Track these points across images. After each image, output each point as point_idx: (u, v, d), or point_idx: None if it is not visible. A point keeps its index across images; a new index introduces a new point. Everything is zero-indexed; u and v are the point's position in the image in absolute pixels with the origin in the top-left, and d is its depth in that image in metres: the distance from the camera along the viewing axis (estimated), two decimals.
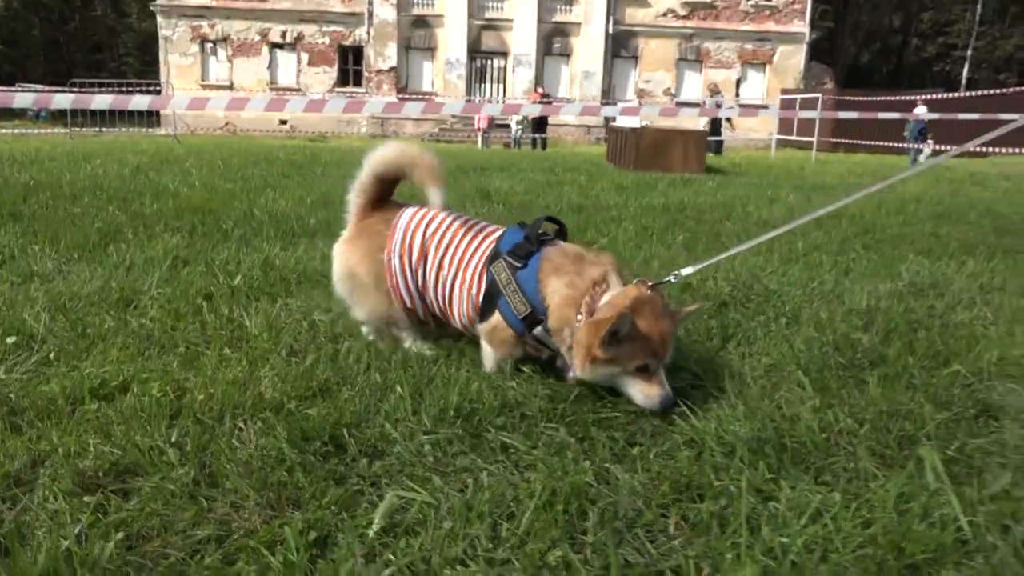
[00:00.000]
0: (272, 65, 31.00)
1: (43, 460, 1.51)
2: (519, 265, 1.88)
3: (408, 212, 2.14)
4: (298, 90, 31.03)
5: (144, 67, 35.97)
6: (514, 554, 1.24)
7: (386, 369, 1.98)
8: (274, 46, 30.85)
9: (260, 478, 1.44)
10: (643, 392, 1.77)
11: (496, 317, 1.92)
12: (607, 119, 24.85)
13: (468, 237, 2.03)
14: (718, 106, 18.88)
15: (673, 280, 2.04)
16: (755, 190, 7.51)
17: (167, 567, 1.20)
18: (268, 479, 1.44)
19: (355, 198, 2.21)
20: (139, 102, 5.61)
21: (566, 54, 31.34)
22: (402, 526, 1.32)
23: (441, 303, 2.07)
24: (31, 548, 1.21)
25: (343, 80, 31.33)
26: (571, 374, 1.86)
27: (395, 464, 1.55)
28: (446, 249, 2.03)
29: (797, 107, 18.09)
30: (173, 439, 1.58)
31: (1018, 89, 17.98)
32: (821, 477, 1.52)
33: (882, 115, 8.88)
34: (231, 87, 30.66)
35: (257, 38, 30.70)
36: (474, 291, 1.96)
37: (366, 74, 30.81)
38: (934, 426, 1.69)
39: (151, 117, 26.37)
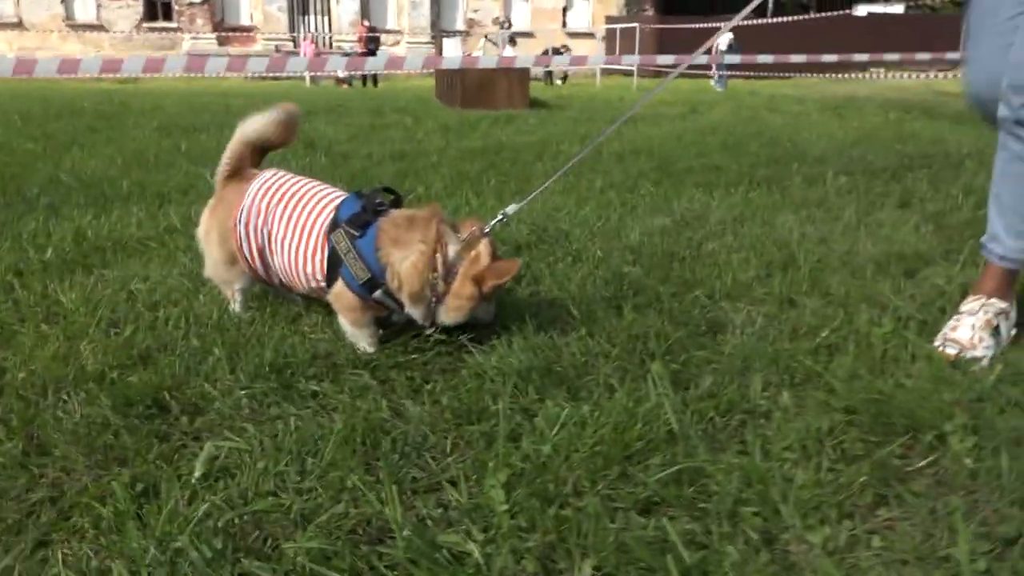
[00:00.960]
0: None
1: None
2: (357, 234, 2.04)
3: (258, 180, 2.22)
4: (100, 27, 28.53)
5: None
6: (319, 483, 1.50)
7: (204, 333, 2.15)
8: None
9: (87, 443, 1.61)
10: (488, 312, 2.16)
11: (339, 284, 2.08)
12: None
13: (311, 204, 2.15)
14: (512, 42, 19.22)
15: (503, 219, 2.31)
16: (572, 126, 7.94)
17: (5, 528, 1.37)
18: (95, 443, 1.62)
19: (221, 165, 2.29)
20: None
21: None
22: (221, 471, 1.55)
23: (285, 269, 2.18)
24: None
25: (151, 15, 29.09)
26: (428, 323, 2.11)
27: (215, 419, 1.76)
28: (290, 216, 2.14)
29: (617, 37, 18.76)
30: None
31: (813, 16, 19.54)
32: (578, 394, 1.87)
33: (660, 59, 9.50)
34: (20, 24, 27.72)
35: None
36: (318, 258, 2.10)
37: (176, 7, 28.79)
38: (669, 343, 2.09)
39: None
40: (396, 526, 1.34)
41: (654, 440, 1.63)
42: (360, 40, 23.99)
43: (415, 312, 2.09)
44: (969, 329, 2.04)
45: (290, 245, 2.14)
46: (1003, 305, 2.10)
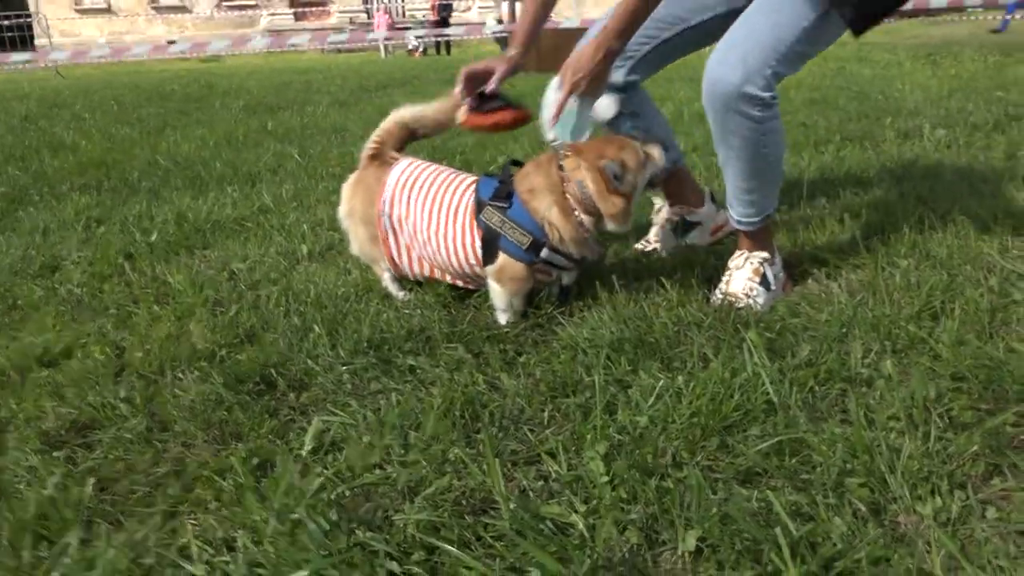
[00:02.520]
0: None
1: (6, 426, 1.74)
2: (505, 206, 2.08)
3: (396, 170, 2.27)
4: (183, 8, 29.37)
5: None
6: (422, 456, 1.55)
7: (303, 311, 2.23)
8: None
9: (204, 419, 1.70)
10: (655, 158, 2.14)
11: (502, 258, 2.09)
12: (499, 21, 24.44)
13: (450, 191, 2.18)
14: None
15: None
16: (649, 87, 7.75)
17: (137, 500, 1.47)
18: (211, 419, 1.71)
19: (368, 143, 2.36)
20: (17, 59, 5.43)
21: None
22: (329, 445, 1.62)
23: (438, 258, 2.20)
24: (20, 498, 1.46)
25: None
26: (598, 256, 2.18)
27: (319, 394, 1.83)
28: (431, 206, 2.17)
29: None
30: (122, 395, 1.82)
31: None
32: (671, 365, 1.86)
33: None
34: (108, 9, 28.80)
35: None
36: (468, 241, 2.13)
37: None
38: (763, 311, 2.06)
39: (26, 44, 24.68)
40: (501, 498, 1.37)
41: (752, 411, 1.62)
42: (432, 8, 24.00)
43: (583, 252, 2.13)
44: (742, 281, 2.20)
45: (439, 234, 2.16)
46: (764, 255, 2.25)
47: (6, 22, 23.27)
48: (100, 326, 2.23)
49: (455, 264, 2.18)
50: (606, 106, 2.20)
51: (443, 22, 23.38)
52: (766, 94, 1.99)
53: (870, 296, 2.11)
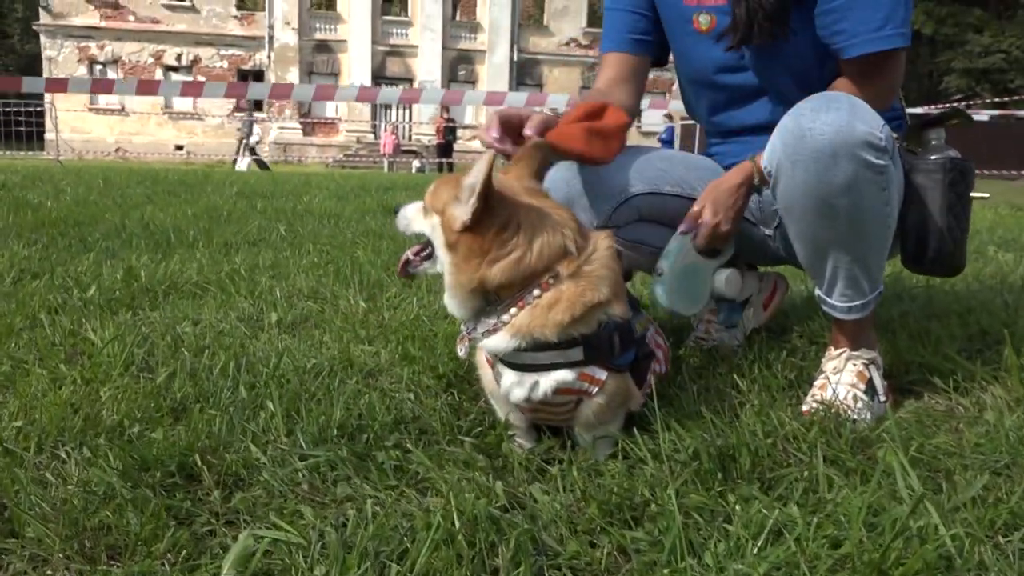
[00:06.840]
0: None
1: None
2: None
3: None
4: (195, 115, 30.00)
5: (27, 90, 34.05)
6: None
7: (257, 383, 1.66)
8: (168, 69, 29.80)
9: (72, 522, 1.10)
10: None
11: None
12: None
13: None
14: None
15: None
16: None
17: None
18: (85, 523, 1.11)
19: None
20: None
21: (471, 81, 31.47)
22: (261, 575, 1.02)
23: None
24: None
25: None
26: None
27: (260, 496, 1.24)
28: None
29: (688, 137, 18.52)
30: None
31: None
32: (775, 490, 1.29)
33: None
34: (122, 111, 29.36)
35: (150, 60, 29.58)
36: None
37: (267, 100, 30.02)
38: (889, 424, 1.50)
39: (32, 141, 24.77)
40: None
41: (927, 568, 1.03)
42: (438, 131, 24.40)
43: None
44: (845, 388, 1.69)
45: None
46: (871, 354, 1.77)
47: (18, 114, 23.36)
48: None
49: None
50: (729, 280, 1.77)
51: (447, 145, 23.69)
52: (884, 139, 1.53)
53: None
